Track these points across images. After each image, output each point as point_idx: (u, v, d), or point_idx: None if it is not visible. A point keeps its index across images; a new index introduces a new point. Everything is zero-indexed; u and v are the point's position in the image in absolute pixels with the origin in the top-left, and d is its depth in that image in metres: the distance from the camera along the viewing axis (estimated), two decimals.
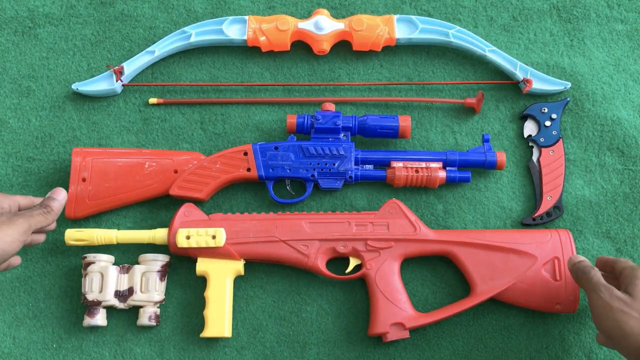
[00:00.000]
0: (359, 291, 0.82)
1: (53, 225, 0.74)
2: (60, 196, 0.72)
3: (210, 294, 0.78)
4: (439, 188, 0.86)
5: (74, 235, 0.79)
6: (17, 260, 0.74)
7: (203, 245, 0.78)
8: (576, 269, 0.71)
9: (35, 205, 0.70)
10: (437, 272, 0.83)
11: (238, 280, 0.82)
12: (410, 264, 0.82)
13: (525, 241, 0.79)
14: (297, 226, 0.80)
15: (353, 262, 0.80)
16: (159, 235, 0.79)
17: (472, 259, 0.79)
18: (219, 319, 0.77)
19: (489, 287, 0.77)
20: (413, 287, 0.82)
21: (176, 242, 0.78)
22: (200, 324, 0.79)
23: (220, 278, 0.78)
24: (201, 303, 0.80)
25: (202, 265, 0.79)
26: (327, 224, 0.80)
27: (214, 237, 0.78)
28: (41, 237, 0.74)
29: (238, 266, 0.79)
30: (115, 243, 0.80)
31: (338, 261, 0.82)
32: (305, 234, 0.79)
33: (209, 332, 0.77)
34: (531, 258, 0.78)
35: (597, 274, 0.68)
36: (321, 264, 0.79)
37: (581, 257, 0.73)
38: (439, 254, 0.80)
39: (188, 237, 0.78)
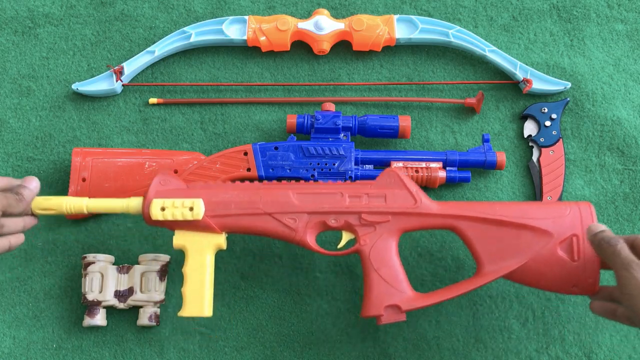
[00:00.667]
0: (360, 291, 0.82)
1: (30, 224, 0.72)
2: (32, 185, 0.70)
3: (189, 269, 0.72)
4: (439, 188, 0.86)
5: (41, 204, 0.72)
6: (20, 238, 0.71)
7: (179, 218, 0.71)
8: (599, 240, 0.64)
9: (7, 189, 0.69)
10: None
11: (238, 280, 0.82)
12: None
13: (541, 216, 0.71)
14: (284, 197, 0.73)
15: (346, 237, 0.74)
16: (133, 204, 0.73)
17: (479, 235, 0.71)
18: (197, 297, 0.72)
19: (497, 267, 0.70)
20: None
21: (150, 213, 0.71)
22: (201, 323, 0.79)
23: (200, 253, 0.72)
24: None
25: (180, 239, 0.73)
26: (316, 195, 0.73)
27: (191, 209, 0.71)
28: (20, 238, 0.71)
29: (219, 240, 0.73)
30: (86, 213, 0.73)
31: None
32: (292, 206, 0.73)
33: (187, 310, 0.71)
34: (546, 235, 0.70)
35: (624, 248, 0.61)
36: (310, 239, 0.73)
37: (602, 226, 0.66)
38: (443, 228, 0.74)
39: (163, 209, 0.71)
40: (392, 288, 0.71)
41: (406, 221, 0.72)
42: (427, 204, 0.73)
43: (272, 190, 0.73)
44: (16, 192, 0.69)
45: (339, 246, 0.75)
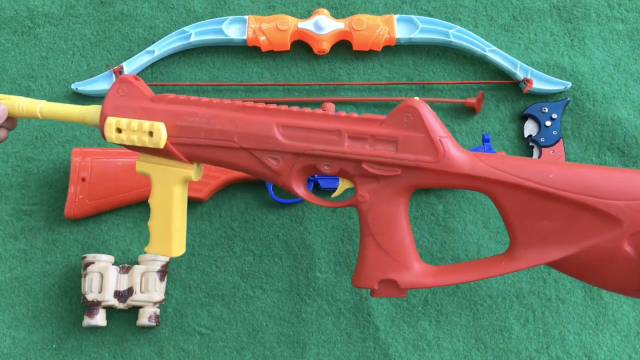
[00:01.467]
0: (360, 291, 0.82)
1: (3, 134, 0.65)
2: None
3: (154, 202, 0.63)
4: (439, 188, 0.86)
5: None
6: (3, 134, 0.64)
7: (137, 143, 0.59)
8: None
9: None
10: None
11: (237, 280, 0.82)
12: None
13: (611, 194, 0.52)
14: (265, 130, 0.57)
15: (343, 185, 0.61)
16: (89, 116, 0.62)
17: (519, 209, 0.54)
18: (163, 234, 0.63)
19: (536, 253, 0.54)
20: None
21: (104, 135, 0.60)
22: (201, 323, 0.79)
23: (165, 184, 0.62)
24: (201, 303, 0.80)
25: (143, 165, 0.62)
26: (307, 132, 0.57)
27: (151, 133, 0.59)
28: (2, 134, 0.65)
29: (187, 172, 0.61)
30: (39, 116, 0.64)
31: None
32: (275, 143, 0.57)
33: (153, 247, 0.64)
34: (613, 223, 0.52)
35: None
36: (297, 185, 0.59)
37: None
38: (471, 189, 0.57)
39: (119, 130, 0.59)
40: (391, 259, 0.57)
41: (421, 177, 0.56)
42: (454, 157, 0.55)
43: (252, 118, 0.58)
44: None
45: (334, 195, 0.63)
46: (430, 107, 0.88)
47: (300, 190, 0.60)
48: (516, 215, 0.54)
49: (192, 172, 0.62)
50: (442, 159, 0.54)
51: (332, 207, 0.62)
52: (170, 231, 0.63)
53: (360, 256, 0.58)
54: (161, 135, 0.58)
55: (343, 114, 0.58)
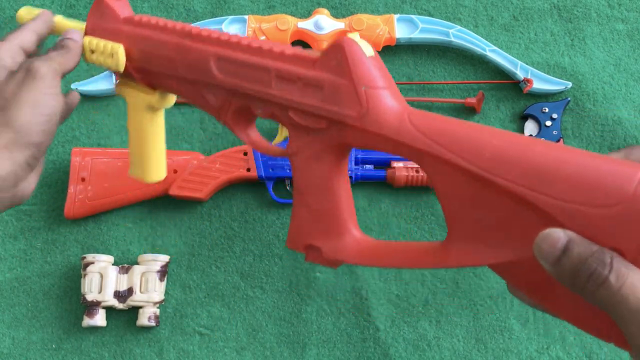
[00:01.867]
0: (360, 291, 0.82)
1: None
2: (75, 35, 0.58)
3: (129, 127, 0.62)
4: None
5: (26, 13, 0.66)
6: (76, 97, 0.62)
7: (103, 65, 0.57)
8: (573, 268, 0.34)
9: (48, 50, 0.58)
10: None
11: (237, 280, 0.82)
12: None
13: (565, 192, 0.35)
14: (203, 61, 0.50)
15: (282, 132, 0.56)
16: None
17: (452, 192, 0.41)
18: (139, 158, 0.62)
19: (468, 251, 0.41)
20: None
21: (84, 54, 0.58)
22: (201, 323, 0.79)
23: (135, 109, 0.60)
24: (201, 303, 0.79)
25: (120, 89, 0.61)
26: (240, 66, 0.48)
27: (112, 55, 0.56)
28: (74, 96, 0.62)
29: (150, 98, 0.59)
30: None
31: None
32: (210, 76, 0.50)
33: (131, 170, 0.63)
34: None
35: (630, 280, 0.32)
36: (237, 127, 0.52)
37: (574, 236, 0.34)
38: (407, 158, 0.44)
39: (93, 52, 0.57)
40: (319, 223, 0.48)
41: (348, 135, 0.45)
42: (381, 114, 0.43)
43: (194, 47, 0.51)
44: (60, 46, 0.58)
45: (274, 142, 0.57)
46: (431, 107, 0.89)
47: (242, 134, 0.53)
48: (448, 199, 0.41)
49: (154, 99, 0.59)
50: (364, 116, 0.43)
51: (270, 155, 0.53)
52: (143, 156, 0.61)
53: (292, 215, 0.51)
54: (119, 58, 0.55)
55: (277, 47, 0.46)
